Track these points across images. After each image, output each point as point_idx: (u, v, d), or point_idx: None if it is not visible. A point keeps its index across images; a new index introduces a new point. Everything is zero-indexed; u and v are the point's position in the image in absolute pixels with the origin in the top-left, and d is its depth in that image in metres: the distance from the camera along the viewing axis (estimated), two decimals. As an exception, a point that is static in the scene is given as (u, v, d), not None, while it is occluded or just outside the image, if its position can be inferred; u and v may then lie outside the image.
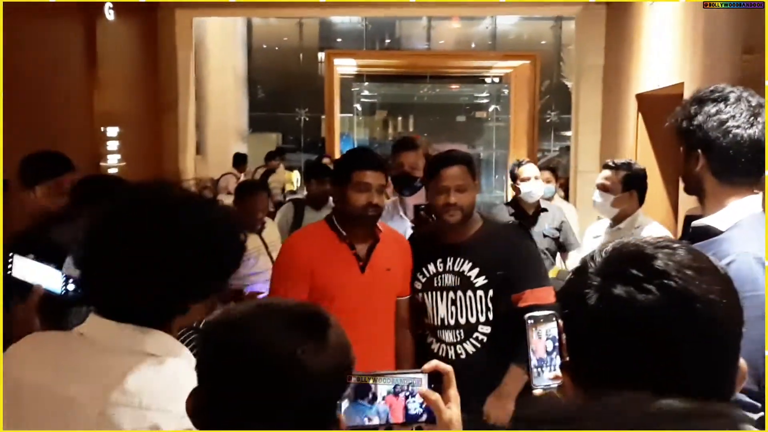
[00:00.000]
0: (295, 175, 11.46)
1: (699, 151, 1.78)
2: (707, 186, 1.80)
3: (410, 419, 1.23)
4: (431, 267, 2.74)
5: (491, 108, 16.43)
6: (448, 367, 1.24)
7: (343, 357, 1.04)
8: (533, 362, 1.32)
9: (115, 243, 1.25)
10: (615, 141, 5.71)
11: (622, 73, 5.55)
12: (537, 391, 1.33)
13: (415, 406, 1.24)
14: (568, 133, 11.16)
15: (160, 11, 6.29)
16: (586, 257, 0.98)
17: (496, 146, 14.91)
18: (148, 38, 6.23)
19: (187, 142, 6.71)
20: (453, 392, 1.23)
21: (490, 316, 2.67)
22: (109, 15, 5.51)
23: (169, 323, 1.29)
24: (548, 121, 14.42)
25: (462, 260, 2.69)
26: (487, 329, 2.67)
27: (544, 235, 4.29)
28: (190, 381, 1.23)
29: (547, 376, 1.33)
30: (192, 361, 1.30)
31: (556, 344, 1.31)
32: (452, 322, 2.68)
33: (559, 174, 6.28)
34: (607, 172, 3.47)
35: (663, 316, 0.86)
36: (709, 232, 1.76)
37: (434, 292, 2.72)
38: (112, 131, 5.61)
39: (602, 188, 3.46)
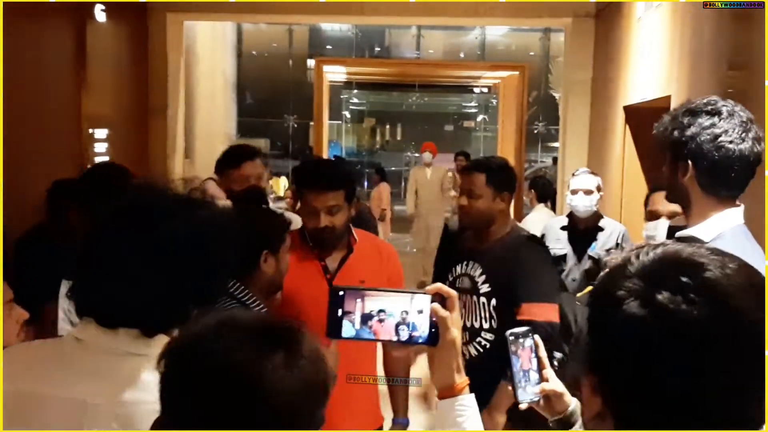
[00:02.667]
0: (283, 181, 11.45)
1: (688, 162, 1.80)
2: (693, 197, 1.82)
3: (411, 338, 1.23)
4: (458, 268, 2.83)
5: (479, 118, 16.55)
6: (453, 291, 1.25)
7: (315, 373, 0.97)
8: (516, 378, 1.35)
9: (113, 250, 1.22)
10: (602, 152, 5.76)
11: (610, 85, 5.60)
12: (522, 406, 1.36)
13: (417, 326, 1.23)
14: (555, 144, 11.25)
15: (151, 14, 6.28)
16: (627, 255, 0.89)
17: (484, 156, 15.00)
18: (138, 41, 6.21)
19: (175, 146, 6.68)
20: (456, 315, 1.24)
21: (494, 324, 2.69)
22: (100, 17, 5.49)
23: (169, 332, 1.24)
24: (536, 132, 14.52)
25: (475, 265, 2.76)
26: (490, 336, 2.70)
27: (589, 257, 3.79)
28: None
29: (531, 390, 1.37)
30: None
31: (536, 359, 1.38)
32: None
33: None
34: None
35: (707, 331, 0.80)
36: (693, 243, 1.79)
37: None
38: (101, 133, 5.58)
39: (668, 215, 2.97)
